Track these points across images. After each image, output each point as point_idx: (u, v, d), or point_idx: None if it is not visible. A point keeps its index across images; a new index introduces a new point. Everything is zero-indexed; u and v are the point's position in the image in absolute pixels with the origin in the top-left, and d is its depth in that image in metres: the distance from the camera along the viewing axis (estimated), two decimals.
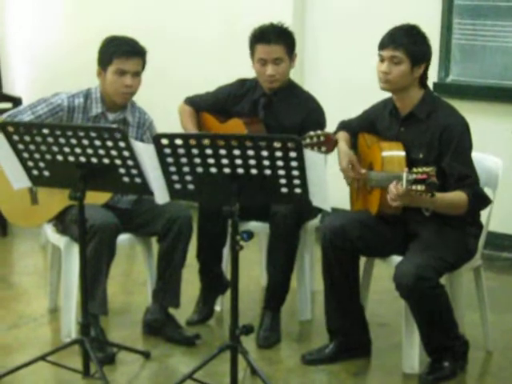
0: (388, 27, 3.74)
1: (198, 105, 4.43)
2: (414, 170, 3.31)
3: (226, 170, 3.24)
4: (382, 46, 3.70)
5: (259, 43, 4.14)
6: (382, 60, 3.70)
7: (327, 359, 3.91)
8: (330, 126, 4.14)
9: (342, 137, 4.00)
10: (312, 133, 3.82)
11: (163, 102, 5.36)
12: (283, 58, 4.14)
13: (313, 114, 4.22)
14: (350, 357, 3.92)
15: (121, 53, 3.95)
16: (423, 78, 3.75)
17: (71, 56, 6.70)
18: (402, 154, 3.70)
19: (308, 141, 3.79)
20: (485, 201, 3.70)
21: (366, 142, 3.94)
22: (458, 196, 3.58)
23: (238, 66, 4.54)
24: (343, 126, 4.09)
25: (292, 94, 4.27)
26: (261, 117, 4.26)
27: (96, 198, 3.83)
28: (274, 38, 4.12)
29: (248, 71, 4.28)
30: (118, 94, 4.01)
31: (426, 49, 3.72)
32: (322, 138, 3.81)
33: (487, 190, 3.88)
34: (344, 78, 5.73)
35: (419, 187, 3.27)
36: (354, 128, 4.03)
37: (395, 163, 3.68)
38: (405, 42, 3.64)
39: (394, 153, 3.72)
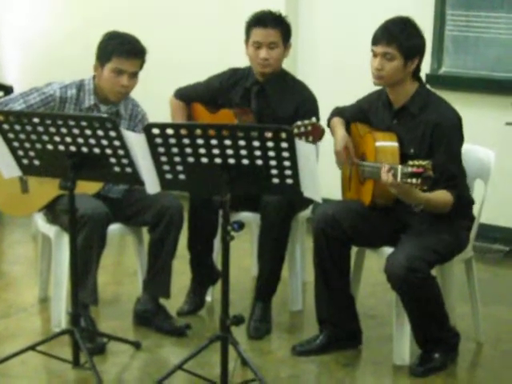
0: (382, 16, 3.71)
1: (189, 96, 4.41)
2: (410, 162, 3.30)
3: (217, 161, 3.22)
4: (375, 41, 3.67)
5: (256, 27, 4.15)
6: (374, 55, 3.67)
7: (317, 350, 3.90)
8: (323, 115, 4.13)
9: (339, 122, 3.99)
10: (299, 122, 3.81)
11: (158, 90, 5.33)
12: (278, 43, 4.14)
13: (305, 102, 4.21)
14: (341, 348, 3.92)
15: (121, 52, 3.89)
16: (417, 71, 3.73)
17: (64, 44, 6.67)
18: (396, 144, 3.69)
19: (295, 131, 3.78)
20: (468, 205, 3.76)
21: (358, 131, 3.93)
22: (443, 195, 3.59)
23: (234, 53, 4.52)
24: (338, 111, 4.08)
25: (284, 82, 4.26)
26: (253, 105, 4.25)
27: (86, 188, 3.81)
28: (271, 23, 4.14)
29: (243, 59, 4.27)
30: (113, 92, 3.97)
31: (419, 42, 3.69)
32: (309, 128, 3.80)
33: (479, 182, 3.88)
34: (338, 65, 5.72)
35: (414, 180, 3.27)
36: (348, 117, 4.02)
37: (388, 153, 3.67)
38: (397, 37, 3.61)
39: (388, 143, 3.71)
